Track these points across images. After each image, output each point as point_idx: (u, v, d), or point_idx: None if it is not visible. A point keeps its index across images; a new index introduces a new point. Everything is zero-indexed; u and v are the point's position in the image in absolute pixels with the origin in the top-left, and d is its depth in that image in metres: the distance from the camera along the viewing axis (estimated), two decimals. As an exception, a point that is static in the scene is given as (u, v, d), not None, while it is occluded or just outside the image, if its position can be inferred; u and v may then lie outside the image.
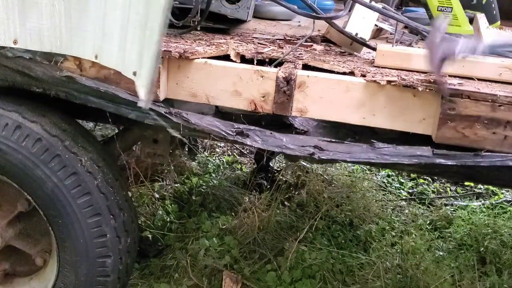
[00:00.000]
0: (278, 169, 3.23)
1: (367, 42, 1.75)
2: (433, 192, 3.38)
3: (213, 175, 3.23)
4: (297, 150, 1.52)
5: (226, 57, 1.61)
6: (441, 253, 2.57)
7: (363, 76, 1.49)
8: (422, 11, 2.08)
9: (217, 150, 3.67)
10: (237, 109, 1.59)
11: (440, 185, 3.47)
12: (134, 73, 1.33)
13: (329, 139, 1.54)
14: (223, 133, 1.55)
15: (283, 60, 1.60)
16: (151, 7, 1.26)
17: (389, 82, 1.43)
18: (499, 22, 2.22)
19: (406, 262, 2.41)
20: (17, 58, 1.56)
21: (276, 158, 3.32)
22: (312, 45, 1.82)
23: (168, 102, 1.60)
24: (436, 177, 3.49)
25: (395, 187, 3.37)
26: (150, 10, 1.26)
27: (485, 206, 3.08)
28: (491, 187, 3.33)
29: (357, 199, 2.98)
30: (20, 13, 1.46)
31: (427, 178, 3.51)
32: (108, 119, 1.70)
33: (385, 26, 2.10)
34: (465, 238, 2.68)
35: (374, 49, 1.71)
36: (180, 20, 1.74)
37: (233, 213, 2.73)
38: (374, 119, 1.49)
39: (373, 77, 1.46)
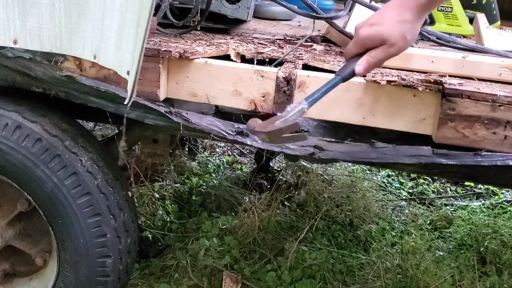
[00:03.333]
0: (278, 169, 3.23)
1: (367, 42, 1.75)
2: (433, 192, 3.38)
3: (213, 175, 3.23)
4: (297, 150, 1.52)
5: (226, 57, 1.61)
6: (441, 253, 2.57)
7: (363, 76, 1.48)
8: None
9: (217, 150, 3.67)
10: (237, 109, 1.59)
11: (440, 185, 3.46)
12: (128, 72, 1.33)
13: (329, 139, 1.54)
14: (223, 132, 1.55)
15: (283, 60, 1.60)
16: (143, 5, 1.26)
17: (389, 82, 1.43)
18: (499, 22, 2.22)
19: (406, 262, 2.40)
20: (17, 58, 1.55)
21: (276, 158, 3.32)
22: (312, 45, 1.82)
23: (168, 102, 1.61)
24: (436, 177, 3.49)
25: (395, 187, 3.37)
26: (142, 8, 1.26)
27: (485, 206, 3.08)
28: (491, 187, 3.33)
29: (357, 199, 2.98)
30: (20, 13, 1.46)
31: (427, 178, 3.51)
32: (108, 119, 1.70)
33: (385, 26, 2.09)
34: (465, 238, 2.68)
35: (374, 49, 1.70)
36: (180, 20, 1.74)
37: (233, 213, 2.73)
38: (374, 119, 1.49)
39: (373, 77, 1.45)
